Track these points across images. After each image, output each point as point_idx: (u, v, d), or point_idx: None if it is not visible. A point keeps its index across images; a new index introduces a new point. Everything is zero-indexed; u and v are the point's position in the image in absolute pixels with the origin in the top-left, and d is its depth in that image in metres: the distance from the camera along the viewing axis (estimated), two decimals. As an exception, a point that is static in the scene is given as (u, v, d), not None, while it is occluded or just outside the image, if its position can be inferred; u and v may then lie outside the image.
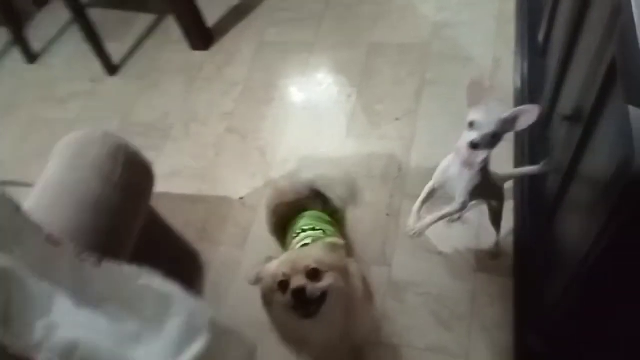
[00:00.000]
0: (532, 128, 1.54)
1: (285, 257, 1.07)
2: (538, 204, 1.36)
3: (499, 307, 1.40)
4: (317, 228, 1.25)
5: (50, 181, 1.07)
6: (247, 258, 1.65)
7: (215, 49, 2.35)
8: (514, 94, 1.81)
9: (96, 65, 2.34)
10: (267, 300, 1.04)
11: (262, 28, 2.37)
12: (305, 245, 1.18)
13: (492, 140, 1.08)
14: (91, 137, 1.14)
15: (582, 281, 0.90)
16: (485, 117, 1.07)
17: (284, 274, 0.98)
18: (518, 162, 1.59)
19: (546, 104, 1.44)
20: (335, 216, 1.37)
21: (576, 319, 1.04)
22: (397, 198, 1.68)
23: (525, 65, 1.73)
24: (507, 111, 1.08)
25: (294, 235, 1.26)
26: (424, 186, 1.29)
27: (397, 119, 1.88)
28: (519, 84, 1.77)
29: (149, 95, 2.26)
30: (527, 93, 1.63)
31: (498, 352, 1.33)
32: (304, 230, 1.25)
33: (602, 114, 0.88)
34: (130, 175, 1.12)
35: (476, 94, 1.11)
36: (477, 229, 1.55)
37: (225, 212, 1.79)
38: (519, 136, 1.58)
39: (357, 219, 1.65)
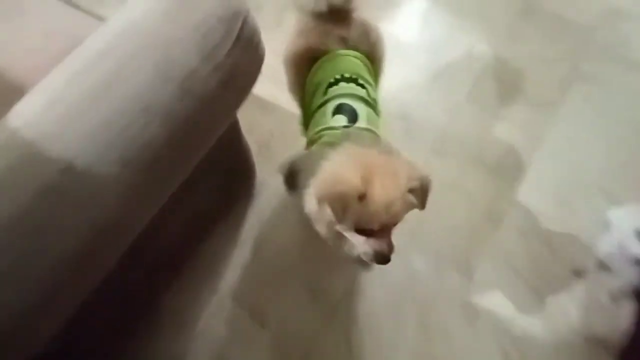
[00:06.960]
0: None
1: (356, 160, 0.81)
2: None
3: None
4: (360, 81, 1.03)
5: (127, 29, 0.73)
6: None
7: None
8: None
9: None
10: (336, 211, 0.80)
11: None
12: (346, 127, 0.97)
13: None
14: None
15: None
16: None
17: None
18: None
19: None
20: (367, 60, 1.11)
21: None
22: (503, 201, 1.36)
23: None
24: None
25: (332, 81, 1.04)
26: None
27: (532, 105, 1.52)
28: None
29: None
30: None
31: None
32: (344, 78, 1.03)
33: None
34: (238, 58, 0.78)
35: None
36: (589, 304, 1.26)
37: (296, 133, 1.46)
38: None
39: (449, 204, 1.35)
